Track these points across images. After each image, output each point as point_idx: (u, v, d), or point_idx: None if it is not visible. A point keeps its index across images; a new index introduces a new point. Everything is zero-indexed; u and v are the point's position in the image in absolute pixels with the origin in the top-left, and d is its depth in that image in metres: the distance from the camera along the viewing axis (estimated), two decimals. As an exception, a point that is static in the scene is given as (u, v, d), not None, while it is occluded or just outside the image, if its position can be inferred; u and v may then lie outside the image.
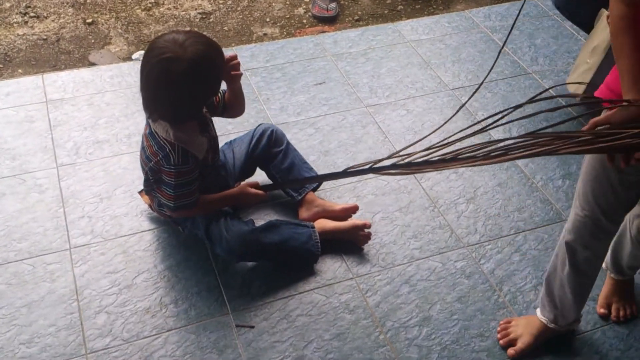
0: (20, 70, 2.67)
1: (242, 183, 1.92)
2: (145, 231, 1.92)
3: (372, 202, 2.09)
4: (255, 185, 1.85)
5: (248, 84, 2.53)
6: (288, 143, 2.01)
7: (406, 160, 1.20)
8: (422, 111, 2.46)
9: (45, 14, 3.01)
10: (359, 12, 3.18)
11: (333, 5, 3.10)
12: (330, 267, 1.88)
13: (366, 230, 1.93)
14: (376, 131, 2.36)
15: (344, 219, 1.96)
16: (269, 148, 1.98)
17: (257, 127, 2.02)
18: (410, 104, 2.50)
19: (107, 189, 2.04)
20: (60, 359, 1.59)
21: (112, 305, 1.72)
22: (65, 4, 3.09)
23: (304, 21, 3.11)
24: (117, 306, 1.72)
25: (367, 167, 1.38)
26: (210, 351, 1.64)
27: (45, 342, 1.63)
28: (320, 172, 2.11)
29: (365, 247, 1.94)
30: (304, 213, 1.96)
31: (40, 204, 1.97)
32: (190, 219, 1.81)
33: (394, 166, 1.25)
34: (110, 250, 1.86)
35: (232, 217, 1.82)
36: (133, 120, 2.32)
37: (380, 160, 1.31)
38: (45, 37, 2.87)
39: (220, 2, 3.19)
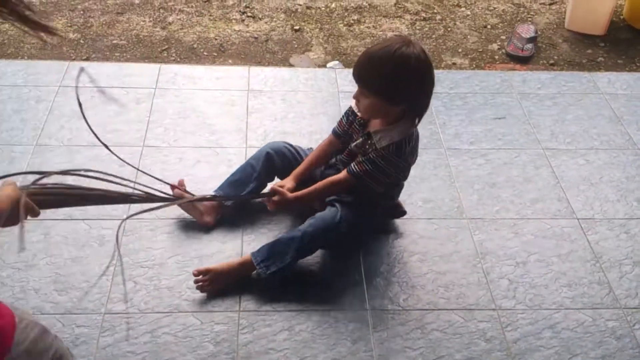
0: (230, 61, 3.04)
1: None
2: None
3: (531, 242, 2.11)
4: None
5: (429, 106, 2.66)
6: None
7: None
8: (603, 164, 2.41)
9: (260, 16, 3.40)
10: (555, 57, 3.18)
11: (529, 46, 3.13)
12: (475, 293, 1.93)
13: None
14: (549, 175, 2.36)
15: None
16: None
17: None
18: (592, 155, 2.46)
19: (283, 175, 2.28)
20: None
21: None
22: (279, 10, 3.45)
23: (496, 57, 3.17)
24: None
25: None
26: (345, 338, 1.77)
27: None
28: (473, 204, 2.18)
29: (514, 284, 1.96)
30: None
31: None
32: None
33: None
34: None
35: None
36: (317, 120, 2.56)
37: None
38: (256, 36, 3.24)
39: (417, 28, 3.36)
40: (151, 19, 3.28)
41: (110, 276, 1.89)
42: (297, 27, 3.32)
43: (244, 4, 3.47)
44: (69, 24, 3.16)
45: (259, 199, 2.08)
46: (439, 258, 2.03)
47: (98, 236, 2.01)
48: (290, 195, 1.91)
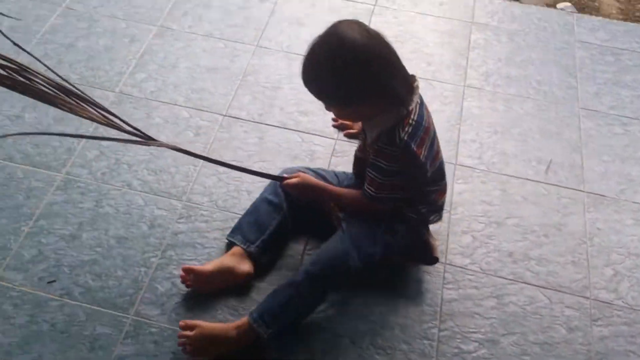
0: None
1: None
2: (530, 180, 1.94)
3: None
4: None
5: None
6: None
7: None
8: None
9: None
10: None
11: None
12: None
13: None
14: None
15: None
16: None
17: None
18: None
19: (503, 125, 2.09)
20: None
21: (479, 232, 1.79)
22: None
23: None
24: (484, 235, 1.79)
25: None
26: (559, 324, 1.61)
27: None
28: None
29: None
30: None
31: (442, 114, 2.10)
32: None
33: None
34: (486, 184, 1.91)
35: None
36: (546, 69, 2.29)
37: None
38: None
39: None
40: None
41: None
42: (526, -43, 2.98)
43: None
44: None
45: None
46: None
47: (309, 151, 1.96)
48: (314, 180, 1.60)
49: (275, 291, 1.52)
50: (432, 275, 1.69)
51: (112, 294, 1.59)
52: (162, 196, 1.81)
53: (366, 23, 2.33)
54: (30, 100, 1.91)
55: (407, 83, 1.43)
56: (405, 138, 1.41)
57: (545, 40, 2.41)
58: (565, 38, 2.43)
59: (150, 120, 2.01)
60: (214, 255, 1.68)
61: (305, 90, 1.67)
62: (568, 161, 1.99)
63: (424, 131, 1.45)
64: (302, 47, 2.27)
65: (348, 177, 1.74)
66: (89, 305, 1.57)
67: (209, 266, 1.60)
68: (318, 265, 1.51)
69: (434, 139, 1.51)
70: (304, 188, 1.59)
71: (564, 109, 2.16)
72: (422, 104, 1.47)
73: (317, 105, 2.05)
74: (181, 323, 1.50)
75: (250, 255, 1.64)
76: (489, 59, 2.32)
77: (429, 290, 1.66)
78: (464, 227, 1.80)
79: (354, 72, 1.35)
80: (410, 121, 1.42)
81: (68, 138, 1.92)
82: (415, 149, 1.42)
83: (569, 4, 2.77)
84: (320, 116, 2.04)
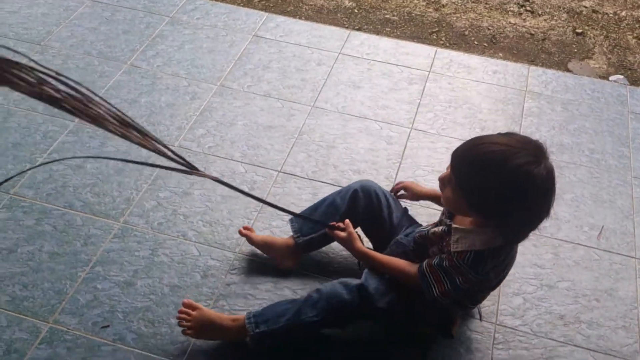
0: (500, 54, 2.98)
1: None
2: (582, 245, 2.03)
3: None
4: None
5: None
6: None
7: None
8: None
9: (539, 12, 3.28)
10: None
11: None
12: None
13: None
14: None
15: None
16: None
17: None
18: None
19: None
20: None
21: (530, 294, 1.88)
22: (561, 9, 3.31)
23: None
24: (535, 297, 1.88)
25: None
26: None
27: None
28: None
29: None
30: None
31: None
32: None
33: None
34: (538, 247, 2.01)
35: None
36: (600, 139, 2.42)
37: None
38: (532, 33, 3.14)
39: None
40: (425, -2, 3.32)
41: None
42: (579, 31, 3.16)
43: (525, -3, 3.37)
44: (346, -9, 3.31)
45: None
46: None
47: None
48: (357, 243, 1.69)
49: (278, 302, 1.68)
50: (482, 335, 1.77)
51: (164, 341, 1.70)
52: (216, 247, 1.95)
53: (421, 88, 2.57)
54: (92, 153, 2.13)
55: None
56: (488, 269, 1.48)
57: (599, 110, 2.55)
58: (618, 109, 2.56)
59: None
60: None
61: (359, 149, 1.85)
62: (620, 228, 2.08)
63: (509, 261, 1.55)
64: (356, 109, 2.51)
65: (401, 216, 1.84)
66: (140, 351, 1.67)
67: (259, 237, 1.92)
68: (319, 293, 1.63)
69: (513, 264, 1.58)
70: (348, 245, 1.71)
71: (617, 177, 2.27)
72: None
73: (370, 164, 2.23)
74: (185, 301, 1.71)
75: (296, 246, 1.87)
76: (542, 127, 2.46)
77: (479, 350, 1.74)
78: (515, 288, 1.89)
79: (523, 205, 1.37)
80: (505, 254, 1.50)
81: (127, 189, 2.10)
82: (492, 276, 1.52)
83: (621, 76, 2.91)
84: (373, 175, 2.19)
